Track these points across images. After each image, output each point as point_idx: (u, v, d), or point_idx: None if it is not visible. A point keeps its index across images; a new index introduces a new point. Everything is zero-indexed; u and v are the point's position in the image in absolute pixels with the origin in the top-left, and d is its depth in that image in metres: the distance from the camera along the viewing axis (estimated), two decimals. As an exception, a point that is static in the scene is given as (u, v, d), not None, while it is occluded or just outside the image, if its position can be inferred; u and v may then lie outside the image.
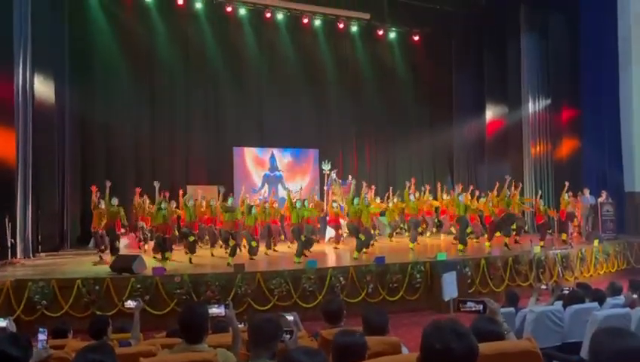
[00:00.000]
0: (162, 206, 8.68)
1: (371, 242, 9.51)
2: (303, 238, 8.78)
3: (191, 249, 8.96)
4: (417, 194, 11.53)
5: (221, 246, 9.54)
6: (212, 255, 9.73)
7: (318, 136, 15.52)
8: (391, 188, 13.72)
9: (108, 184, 8.91)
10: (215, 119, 14.41)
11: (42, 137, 10.45)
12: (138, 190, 10.58)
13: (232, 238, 8.66)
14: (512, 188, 10.35)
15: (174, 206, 9.62)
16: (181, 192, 10.63)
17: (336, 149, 15.54)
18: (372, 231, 10.11)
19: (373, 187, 12.22)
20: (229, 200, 9.05)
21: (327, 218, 11.28)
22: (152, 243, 9.43)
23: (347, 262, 8.64)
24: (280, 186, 15.11)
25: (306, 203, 9.47)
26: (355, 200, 9.36)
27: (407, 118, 16.51)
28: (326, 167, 12.97)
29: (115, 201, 8.83)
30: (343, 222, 11.06)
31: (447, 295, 6.60)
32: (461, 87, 16.46)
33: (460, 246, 9.38)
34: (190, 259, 8.79)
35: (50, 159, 10.90)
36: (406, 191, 11.26)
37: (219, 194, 10.52)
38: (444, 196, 12.18)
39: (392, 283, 7.73)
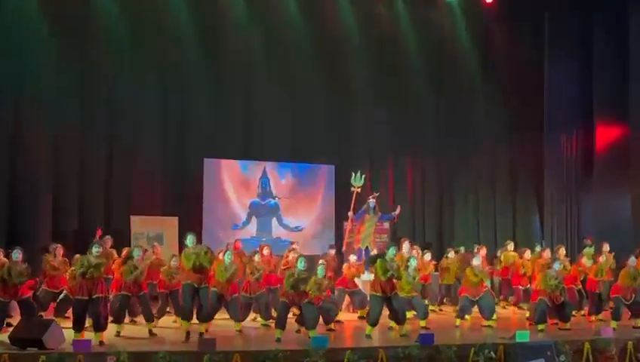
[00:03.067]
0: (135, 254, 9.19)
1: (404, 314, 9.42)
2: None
3: (148, 316, 9.12)
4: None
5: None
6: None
7: (334, 145, 15.66)
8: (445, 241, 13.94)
9: None
10: (177, 118, 14.69)
11: None
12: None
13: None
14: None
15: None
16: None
17: (362, 166, 15.54)
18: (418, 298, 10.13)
19: (416, 248, 12.09)
20: (188, 239, 9.13)
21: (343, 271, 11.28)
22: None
23: (376, 340, 8.72)
24: (274, 221, 15.21)
25: (320, 270, 9.26)
26: (391, 251, 9.39)
27: (473, 124, 16.70)
28: (356, 181, 12.50)
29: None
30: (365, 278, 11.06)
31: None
32: (556, 79, 16.60)
33: (540, 326, 9.45)
34: (150, 331, 9.00)
35: None
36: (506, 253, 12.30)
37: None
38: (527, 254, 12.18)
39: (444, 376, 7.63)
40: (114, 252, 10.98)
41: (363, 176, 12.54)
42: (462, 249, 13.13)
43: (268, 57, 15.10)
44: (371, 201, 12.06)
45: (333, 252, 12.24)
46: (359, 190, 12.39)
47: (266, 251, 10.94)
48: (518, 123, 16.68)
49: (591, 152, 16.20)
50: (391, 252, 9.38)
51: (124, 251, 10.16)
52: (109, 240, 11.35)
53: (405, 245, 11.60)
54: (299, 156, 15.50)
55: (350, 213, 12.27)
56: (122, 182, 14.07)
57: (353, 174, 12.53)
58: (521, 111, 16.63)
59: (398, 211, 12.39)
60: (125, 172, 14.09)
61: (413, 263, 10.04)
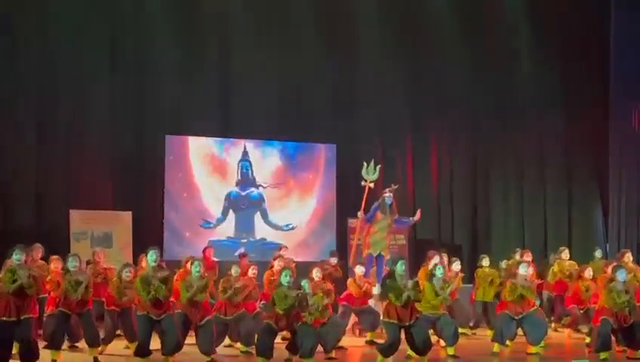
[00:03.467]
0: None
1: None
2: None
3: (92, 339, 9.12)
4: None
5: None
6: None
7: (335, 118, 15.65)
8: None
9: None
10: (130, 84, 14.64)
11: None
12: None
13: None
14: None
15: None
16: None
17: (371, 145, 15.59)
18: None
19: (445, 259, 11.98)
20: (149, 256, 9.05)
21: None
22: None
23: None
24: (258, 216, 15.20)
25: (305, 286, 9.23)
26: (399, 267, 9.30)
27: (517, 92, 16.70)
28: (369, 174, 12.34)
29: None
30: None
31: None
32: (626, 38, 16.46)
33: (603, 354, 9.42)
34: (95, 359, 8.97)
35: None
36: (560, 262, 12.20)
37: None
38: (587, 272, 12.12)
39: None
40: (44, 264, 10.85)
41: (378, 166, 12.37)
42: (516, 255, 12.88)
43: (248, 5, 15.06)
44: (387, 196, 11.85)
45: (335, 260, 12.18)
46: (372, 185, 12.25)
47: (252, 272, 10.77)
48: (575, 91, 16.69)
49: None
50: (399, 268, 9.24)
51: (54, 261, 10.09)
52: (38, 248, 11.14)
53: (434, 260, 11.49)
54: (290, 132, 15.46)
55: (360, 213, 12.14)
56: (59, 168, 14.06)
57: (365, 164, 12.31)
58: (579, 75, 16.66)
59: (417, 217, 12.23)
60: (63, 154, 14.08)
61: (439, 272, 9.99)
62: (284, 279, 8.91)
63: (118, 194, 14.23)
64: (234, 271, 10.27)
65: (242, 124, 15.21)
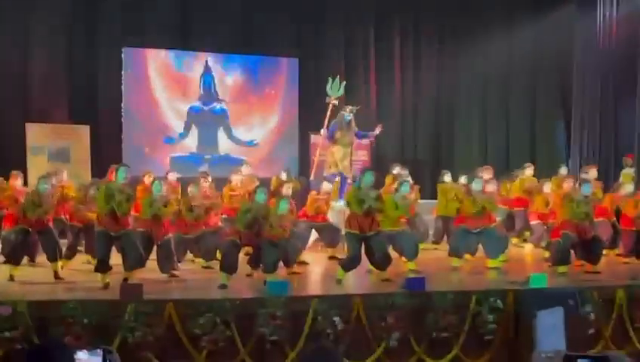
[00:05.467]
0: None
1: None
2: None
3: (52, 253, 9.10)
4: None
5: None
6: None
7: (299, 31, 15.59)
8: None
9: None
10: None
11: None
12: None
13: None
14: None
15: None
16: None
17: (335, 62, 15.54)
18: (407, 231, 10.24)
19: (415, 186, 12.08)
20: (120, 173, 9.00)
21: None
22: None
23: (351, 286, 8.81)
24: (222, 132, 15.19)
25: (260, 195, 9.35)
26: (367, 177, 9.36)
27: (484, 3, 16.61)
28: (334, 91, 12.33)
29: None
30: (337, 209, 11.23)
31: (546, 348, 6.69)
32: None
33: (562, 268, 9.64)
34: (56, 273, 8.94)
35: None
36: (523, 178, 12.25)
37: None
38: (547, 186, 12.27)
39: (437, 331, 7.85)
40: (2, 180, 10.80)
41: (343, 83, 12.36)
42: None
43: None
44: (346, 114, 11.88)
45: (284, 175, 12.01)
46: (336, 102, 12.21)
47: (205, 184, 10.85)
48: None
49: (634, 36, 15.58)
50: (367, 178, 9.33)
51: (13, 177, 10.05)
52: None
53: (396, 171, 11.64)
54: (251, 45, 15.34)
55: (323, 131, 12.19)
56: (12, 79, 13.90)
57: (330, 80, 12.32)
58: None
59: (378, 130, 12.32)
60: (17, 67, 13.90)
61: (405, 188, 10.09)
62: (261, 196, 8.97)
63: (75, 108, 14.09)
64: (190, 190, 10.35)
65: (203, 36, 15.02)
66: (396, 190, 10.05)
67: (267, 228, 8.78)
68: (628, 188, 11.42)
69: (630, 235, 10.80)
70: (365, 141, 13.59)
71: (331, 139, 11.91)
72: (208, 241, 10.12)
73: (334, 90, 12.23)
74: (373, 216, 9.08)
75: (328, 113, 12.07)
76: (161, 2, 14.72)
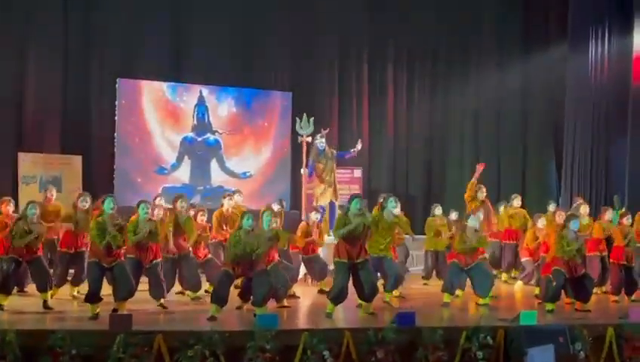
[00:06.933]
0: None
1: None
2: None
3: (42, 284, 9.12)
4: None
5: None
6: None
7: (293, 66, 15.68)
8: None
9: None
10: (80, 22, 14.49)
11: None
12: None
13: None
14: None
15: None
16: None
17: (328, 94, 15.74)
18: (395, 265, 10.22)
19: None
20: (107, 204, 9.00)
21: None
22: None
23: (340, 321, 8.84)
24: (215, 163, 15.22)
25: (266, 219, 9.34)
26: (354, 204, 9.30)
27: (472, 38, 16.89)
28: (304, 128, 12.62)
29: None
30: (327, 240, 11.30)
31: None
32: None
33: (549, 306, 9.64)
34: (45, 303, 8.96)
35: None
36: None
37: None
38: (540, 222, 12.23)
39: (427, 367, 7.84)
40: None
41: (311, 119, 12.54)
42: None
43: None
44: (319, 143, 12.00)
45: (277, 207, 12.03)
46: (309, 139, 12.34)
47: (200, 218, 10.84)
48: (538, 29, 16.94)
49: (627, 81, 15.75)
50: (354, 205, 9.30)
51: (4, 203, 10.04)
52: None
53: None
54: (245, 79, 15.45)
55: (303, 170, 12.27)
56: (6, 108, 13.93)
57: (298, 120, 12.54)
58: (532, 23, 16.98)
59: (358, 146, 12.42)
60: (12, 95, 13.95)
61: (391, 204, 9.85)
62: (247, 222, 8.85)
63: (68, 138, 14.14)
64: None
65: (197, 69, 15.14)
66: (383, 208, 9.90)
67: (256, 260, 8.82)
68: (608, 214, 11.40)
69: (619, 271, 10.74)
70: (358, 173, 13.67)
71: (312, 173, 12.02)
72: (191, 269, 10.12)
73: (305, 127, 12.48)
74: (361, 243, 9.06)
75: (304, 151, 12.24)
76: (156, 34, 14.84)
